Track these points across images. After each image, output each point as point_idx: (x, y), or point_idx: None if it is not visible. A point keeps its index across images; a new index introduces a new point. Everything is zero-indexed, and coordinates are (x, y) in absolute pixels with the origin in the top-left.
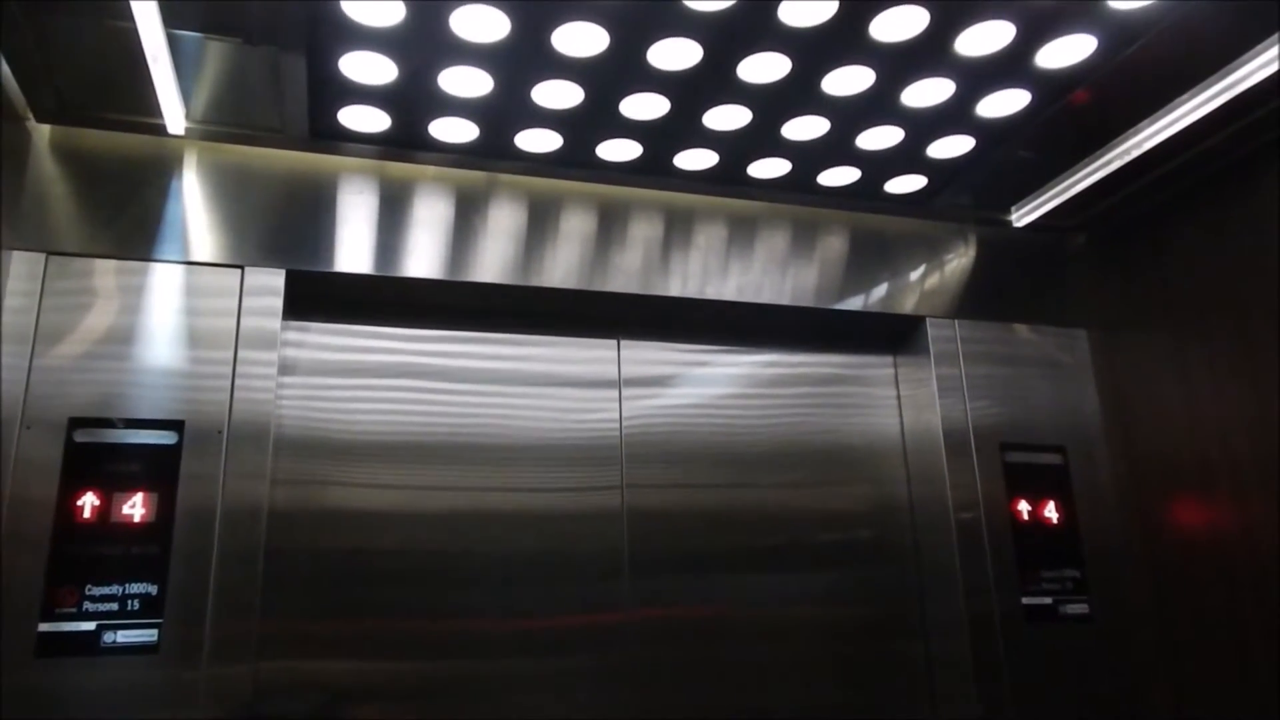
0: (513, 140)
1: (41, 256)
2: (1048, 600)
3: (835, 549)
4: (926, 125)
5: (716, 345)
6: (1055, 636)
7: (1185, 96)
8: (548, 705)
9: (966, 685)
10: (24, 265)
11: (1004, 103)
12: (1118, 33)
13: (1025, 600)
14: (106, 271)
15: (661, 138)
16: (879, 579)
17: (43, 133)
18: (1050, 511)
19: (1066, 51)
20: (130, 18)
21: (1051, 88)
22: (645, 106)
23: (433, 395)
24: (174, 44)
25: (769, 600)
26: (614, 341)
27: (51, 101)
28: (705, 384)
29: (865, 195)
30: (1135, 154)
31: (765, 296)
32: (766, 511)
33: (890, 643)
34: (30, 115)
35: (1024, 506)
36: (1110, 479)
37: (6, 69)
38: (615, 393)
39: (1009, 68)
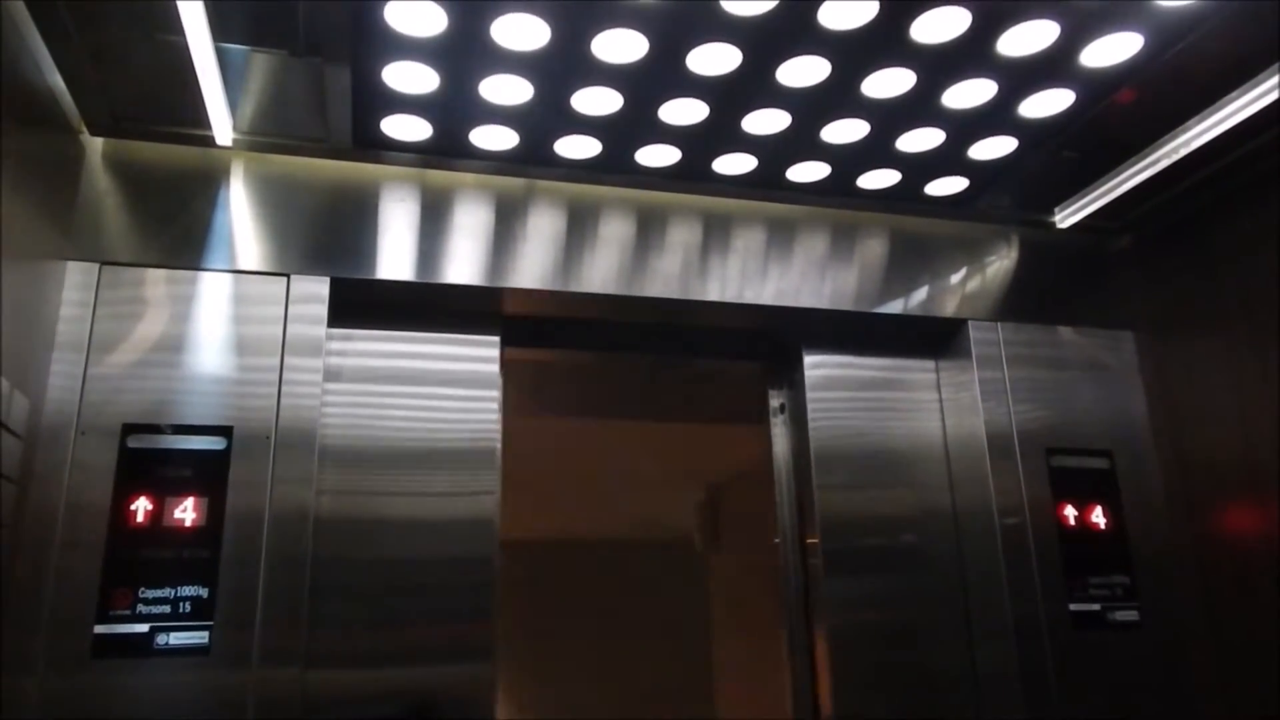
0: (552, 147)
1: (95, 266)
2: (1096, 607)
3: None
4: (968, 127)
5: None
6: (1104, 644)
7: (1233, 95)
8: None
9: (1014, 693)
10: (78, 275)
11: (1047, 103)
12: (1164, 30)
13: (1073, 607)
14: (157, 281)
15: (700, 143)
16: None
17: (95, 145)
18: (1097, 516)
19: (1112, 50)
20: (180, 31)
21: (1096, 87)
22: (684, 112)
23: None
24: (222, 57)
25: None
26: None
27: (104, 115)
28: None
29: (906, 198)
30: (1182, 154)
31: (805, 300)
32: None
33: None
34: (84, 129)
35: (1070, 512)
36: (1159, 483)
37: (61, 84)
38: None
39: (1052, 67)
